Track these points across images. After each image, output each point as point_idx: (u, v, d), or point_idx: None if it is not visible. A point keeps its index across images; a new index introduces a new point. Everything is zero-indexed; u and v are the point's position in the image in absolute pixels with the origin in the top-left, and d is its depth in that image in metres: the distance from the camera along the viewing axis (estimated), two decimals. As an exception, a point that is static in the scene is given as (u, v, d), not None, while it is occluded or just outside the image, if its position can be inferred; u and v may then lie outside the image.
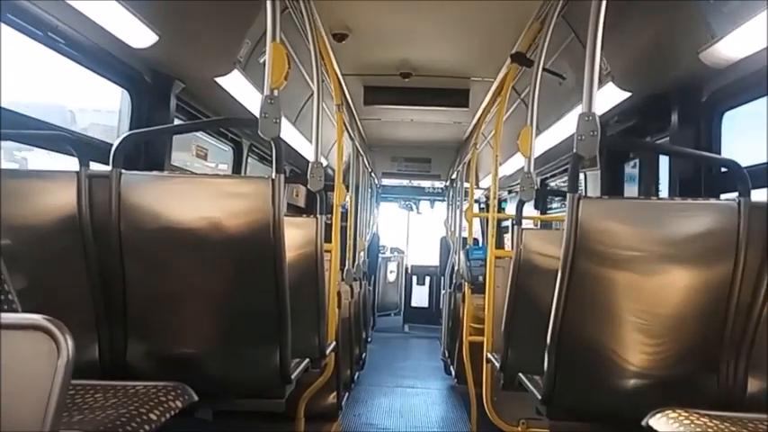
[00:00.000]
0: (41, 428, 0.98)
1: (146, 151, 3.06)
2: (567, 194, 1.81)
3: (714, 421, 1.55)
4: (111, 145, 1.97)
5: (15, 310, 1.50)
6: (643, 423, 1.62)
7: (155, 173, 2.03)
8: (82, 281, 1.92)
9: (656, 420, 1.59)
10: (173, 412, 1.55)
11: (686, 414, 1.57)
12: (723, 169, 2.92)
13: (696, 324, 1.87)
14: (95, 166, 2.06)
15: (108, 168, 1.92)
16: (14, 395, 1.01)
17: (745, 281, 1.80)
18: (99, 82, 2.91)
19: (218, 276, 1.98)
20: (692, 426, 1.52)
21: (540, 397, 1.99)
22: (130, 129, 3.06)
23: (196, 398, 1.69)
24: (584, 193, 4.31)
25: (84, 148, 1.98)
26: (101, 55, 2.75)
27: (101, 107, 3.38)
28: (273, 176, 1.88)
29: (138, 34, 2.58)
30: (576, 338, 1.90)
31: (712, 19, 2.40)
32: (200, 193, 1.95)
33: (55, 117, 2.78)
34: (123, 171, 1.92)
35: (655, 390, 1.88)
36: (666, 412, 1.59)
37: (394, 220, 11.12)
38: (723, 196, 2.80)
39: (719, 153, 3.01)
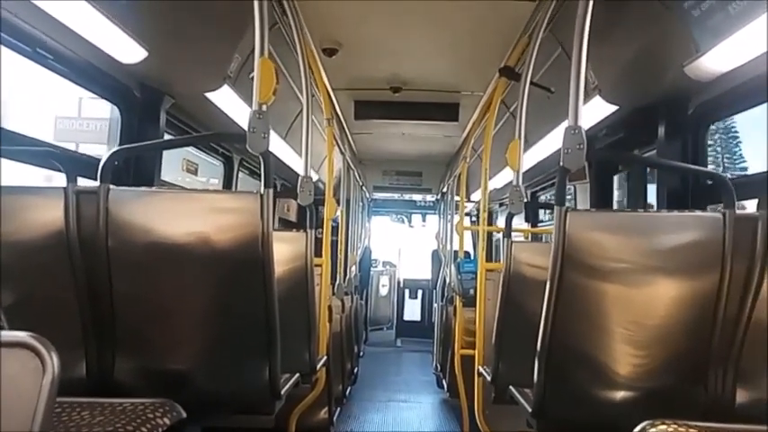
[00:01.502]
0: (27, 447, 0.98)
1: (135, 167, 3.05)
2: (555, 207, 1.82)
3: None
4: (100, 161, 1.96)
5: (2, 328, 1.49)
6: None
7: (143, 188, 2.02)
8: (69, 297, 1.90)
9: None
10: (161, 429, 1.54)
11: (675, 425, 1.57)
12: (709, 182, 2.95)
13: (684, 335, 1.88)
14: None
15: (96, 184, 1.92)
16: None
17: (731, 292, 1.81)
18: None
19: (206, 292, 1.97)
20: None
21: (530, 410, 1.99)
22: (120, 144, 3.06)
23: (184, 415, 1.68)
24: (574, 206, 4.36)
25: (72, 163, 1.97)
26: (90, 70, 2.74)
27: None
28: (262, 191, 1.88)
29: (128, 50, 2.59)
30: (565, 350, 1.90)
31: (696, 33, 2.43)
32: (188, 208, 1.94)
33: None
34: (111, 186, 1.91)
35: (644, 401, 1.89)
36: (655, 424, 1.59)
37: (386, 233, 11.12)
38: (711, 208, 2.82)
39: (705, 165, 3.05)
